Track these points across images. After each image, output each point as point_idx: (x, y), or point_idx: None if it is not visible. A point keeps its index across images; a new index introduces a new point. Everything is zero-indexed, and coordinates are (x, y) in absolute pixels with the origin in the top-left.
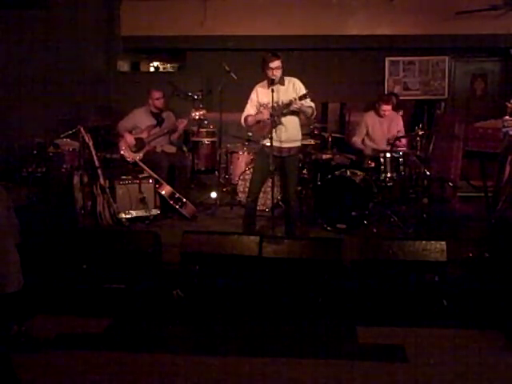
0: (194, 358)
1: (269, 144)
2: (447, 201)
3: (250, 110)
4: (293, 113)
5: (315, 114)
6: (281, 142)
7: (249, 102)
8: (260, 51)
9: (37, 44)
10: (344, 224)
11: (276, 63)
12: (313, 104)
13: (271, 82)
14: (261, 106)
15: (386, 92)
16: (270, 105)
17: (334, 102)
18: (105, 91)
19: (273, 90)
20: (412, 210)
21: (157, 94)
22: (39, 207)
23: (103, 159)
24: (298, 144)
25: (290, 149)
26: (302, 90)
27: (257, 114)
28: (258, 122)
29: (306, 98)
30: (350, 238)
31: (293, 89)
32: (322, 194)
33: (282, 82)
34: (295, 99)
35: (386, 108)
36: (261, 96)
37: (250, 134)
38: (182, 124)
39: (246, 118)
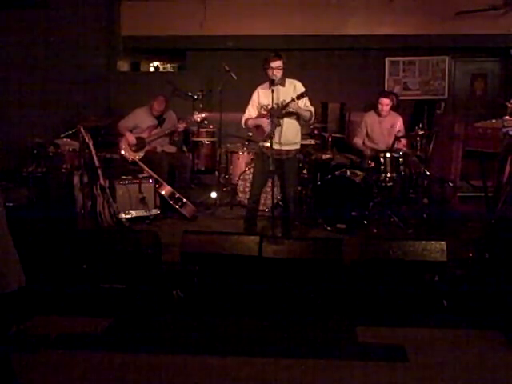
0: (194, 357)
1: (268, 145)
2: (447, 201)
3: (251, 111)
4: (291, 114)
5: (313, 118)
6: (280, 144)
7: (250, 103)
8: (260, 51)
9: (37, 44)
10: (344, 224)
11: (277, 63)
12: (312, 108)
13: (272, 83)
14: (261, 107)
15: None
16: (270, 105)
17: (334, 102)
18: (105, 91)
19: (273, 91)
20: (412, 210)
21: (160, 103)
22: (39, 207)
23: (103, 159)
24: (297, 147)
25: (288, 151)
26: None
27: (257, 116)
28: (258, 125)
29: (303, 96)
30: (350, 238)
31: (293, 90)
32: (322, 194)
33: (282, 83)
34: (293, 99)
35: (385, 101)
36: (261, 97)
37: (250, 134)
38: (181, 128)
39: (246, 121)
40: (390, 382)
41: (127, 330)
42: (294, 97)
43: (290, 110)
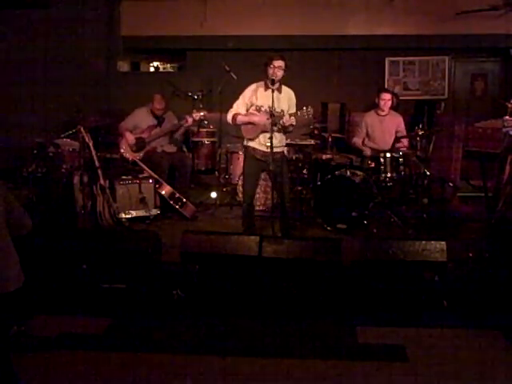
0: (194, 357)
1: (255, 146)
2: (447, 201)
3: (240, 107)
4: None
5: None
6: (268, 146)
7: (240, 99)
8: (260, 51)
9: (37, 44)
10: (344, 224)
11: (280, 63)
12: (294, 122)
13: (271, 83)
14: (252, 106)
15: None
16: (265, 108)
17: (334, 102)
18: (105, 91)
19: (273, 91)
20: (412, 210)
21: (158, 101)
22: (39, 207)
23: (103, 159)
24: (283, 149)
25: (275, 153)
26: (293, 107)
27: (246, 114)
28: (248, 123)
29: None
30: (350, 238)
31: (287, 100)
32: (321, 194)
33: (279, 89)
34: (286, 114)
35: (387, 96)
36: (259, 97)
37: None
38: (189, 122)
39: (234, 117)
40: (390, 382)
41: (127, 330)
42: (286, 109)
43: (282, 122)
